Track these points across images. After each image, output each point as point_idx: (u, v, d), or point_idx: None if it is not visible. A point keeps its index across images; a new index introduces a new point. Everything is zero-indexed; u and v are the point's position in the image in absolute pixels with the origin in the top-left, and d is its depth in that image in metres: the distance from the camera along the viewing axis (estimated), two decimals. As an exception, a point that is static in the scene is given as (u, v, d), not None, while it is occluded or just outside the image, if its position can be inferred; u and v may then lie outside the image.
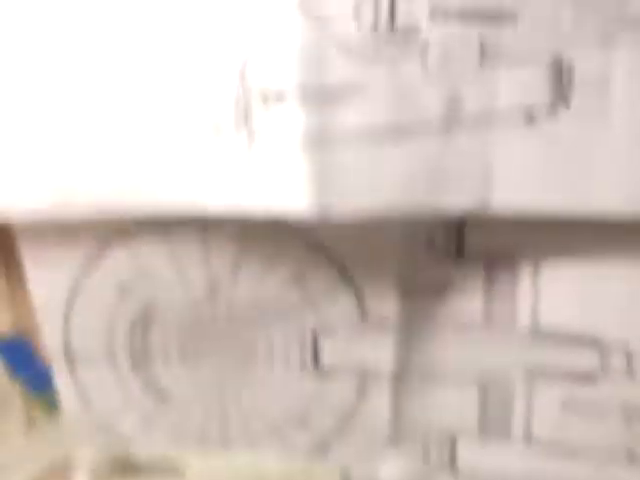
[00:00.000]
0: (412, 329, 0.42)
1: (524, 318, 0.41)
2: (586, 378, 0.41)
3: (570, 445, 0.42)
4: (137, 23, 0.37)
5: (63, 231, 0.40)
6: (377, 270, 0.41)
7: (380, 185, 0.36)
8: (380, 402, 0.43)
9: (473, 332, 0.42)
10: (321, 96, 0.35)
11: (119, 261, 0.42)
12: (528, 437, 0.42)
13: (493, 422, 0.43)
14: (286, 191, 0.35)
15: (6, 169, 0.38)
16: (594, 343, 0.40)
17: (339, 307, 0.42)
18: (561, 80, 0.35)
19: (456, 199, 0.36)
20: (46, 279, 0.42)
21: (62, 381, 0.45)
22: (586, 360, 0.40)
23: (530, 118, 0.35)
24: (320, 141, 0.35)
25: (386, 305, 0.42)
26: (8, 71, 0.38)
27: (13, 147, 0.38)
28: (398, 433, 0.44)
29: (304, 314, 0.43)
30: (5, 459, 0.38)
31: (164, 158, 0.37)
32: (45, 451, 0.40)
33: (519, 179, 0.36)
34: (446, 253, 0.41)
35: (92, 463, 0.41)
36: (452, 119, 0.36)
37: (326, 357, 0.43)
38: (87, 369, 0.45)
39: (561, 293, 0.40)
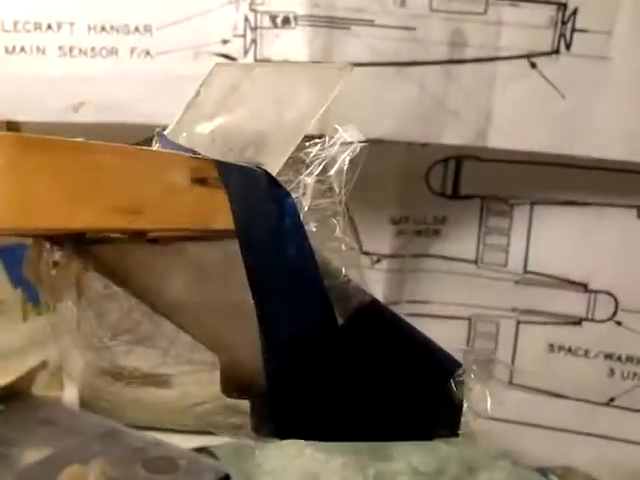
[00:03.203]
0: (405, 265, 0.42)
1: (516, 259, 0.41)
2: (573, 321, 0.41)
3: (553, 384, 0.42)
4: None
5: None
6: (373, 207, 0.41)
7: (380, 112, 0.35)
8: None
9: (465, 271, 0.42)
10: (328, 22, 0.34)
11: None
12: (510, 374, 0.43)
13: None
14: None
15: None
16: (582, 288, 0.40)
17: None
18: (564, 22, 0.34)
19: (454, 130, 0.36)
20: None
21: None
22: (573, 304, 0.40)
23: (532, 61, 0.35)
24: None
25: (380, 241, 0.42)
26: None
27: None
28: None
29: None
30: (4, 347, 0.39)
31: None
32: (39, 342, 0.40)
33: (517, 117, 0.36)
34: (442, 192, 0.41)
35: (82, 370, 0.42)
36: (455, 53, 0.35)
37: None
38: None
39: (553, 237, 0.40)
